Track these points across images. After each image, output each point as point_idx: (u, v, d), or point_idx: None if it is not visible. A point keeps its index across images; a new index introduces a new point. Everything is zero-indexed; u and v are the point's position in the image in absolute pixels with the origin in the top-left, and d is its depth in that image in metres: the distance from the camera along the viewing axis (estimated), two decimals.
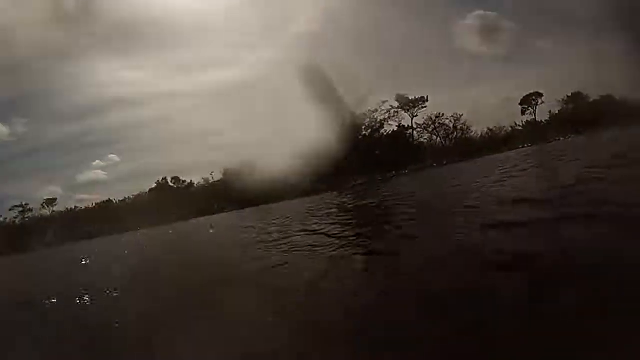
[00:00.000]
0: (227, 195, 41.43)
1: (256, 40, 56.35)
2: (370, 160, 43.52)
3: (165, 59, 57.77)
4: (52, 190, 50.10)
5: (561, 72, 52.16)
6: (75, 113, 63.15)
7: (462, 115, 50.17)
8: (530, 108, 52.74)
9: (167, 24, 58.22)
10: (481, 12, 46.74)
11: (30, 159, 63.57)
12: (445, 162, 45.72)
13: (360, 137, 44.79)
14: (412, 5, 57.58)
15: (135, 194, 43.91)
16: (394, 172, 43.34)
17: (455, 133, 50.53)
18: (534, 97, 52.02)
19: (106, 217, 42.66)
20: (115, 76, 56.98)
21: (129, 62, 57.44)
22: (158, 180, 42.49)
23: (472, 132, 51.52)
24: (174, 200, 41.69)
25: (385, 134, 45.88)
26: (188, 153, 50.19)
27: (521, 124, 52.23)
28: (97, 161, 50.16)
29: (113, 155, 49.32)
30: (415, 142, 47.68)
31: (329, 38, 56.96)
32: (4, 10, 56.16)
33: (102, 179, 49.79)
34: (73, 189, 59.21)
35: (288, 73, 52.87)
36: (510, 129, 52.68)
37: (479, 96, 59.01)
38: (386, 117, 45.97)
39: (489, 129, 52.36)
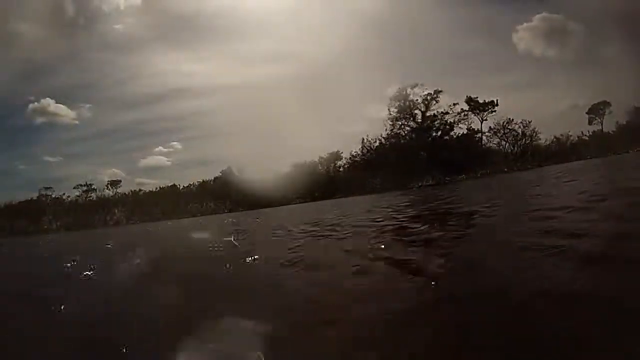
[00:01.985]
0: (294, 187, 40.80)
1: (319, 34, 56.12)
2: (439, 161, 42.17)
3: (227, 51, 58.33)
4: (114, 172, 50.85)
5: (629, 80, 49.86)
6: (138, 101, 64.40)
7: (531, 121, 48.65)
8: (597, 118, 50.46)
9: (229, 16, 58.74)
10: (546, 15, 45.23)
11: (93, 142, 65.45)
12: (515, 168, 44.06)
13: (430, 138, 43.60)
14: (476, 7, 56.36)
15: (200, 181, 43.83)
16: (463, 175, 41.82)
17: (524, 139, 48.85)
18: (601, 107, 49.78)
19: (171, 201, 42.63)
20: (177, 67, 57.91)
21: (191, 54, 58.07)
22: (223, 169, 42.45)
23: (539, 139, 49.86)
24: (238, 189, 41.28)
25: (455, 136, 44.48)
26: (251, 144, 49.89)
27: (587, 134, 50.14)
28: (159, 147, 50.45)
29: (175, 143, 49.52)
30: (484, 147, 46.09)
31: (394, 37, 56.27)
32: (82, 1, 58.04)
33: (163, 165, 50.10)
34: (134, 172, 60.19)
35: (353, 69, 52.40)
36: (576, 138, 50.70)
37: (544, 102, 57.15)
38: (456, 119, 44.66)
39: (555, 137, 50.50)
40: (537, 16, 46.61)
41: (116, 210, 41.67)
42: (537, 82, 58.49)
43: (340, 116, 53.45)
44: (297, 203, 37.18)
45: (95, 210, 43.01)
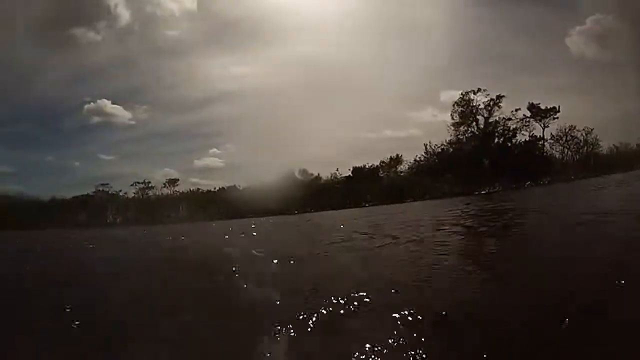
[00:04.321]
0: (355, 191, 40.68)
1: (367, 38, 56.06)
2: (504, 168, 41.38)
3: (276, 54, 58.69)
4: (168, 172, 51.83)
5: None
6: (191, 104, 65.42)
7: (593, 129, 47.40)
8: None
9: (277, 20, 59.31)
10: (600, 16, 43.97)
11: (148, 142, 67.22)
12: (580, 176, 42.99)
13: (494, 144, 42.87)
14: (528, 12, 55.25)
15: (259, 182, 44.03)
16: (529, 182, 40.97)
17: (586, 147, 47.65)
18: None
19: (229, 201, 42.99)
20: (228, 71, 58.68)
21: (240, 58, 58.60)
22: (285, 171, 42.62)
23: (601, 147, 48.57)
24: (301, 191, 41.37)
25: (518, 142, 43.62)
26: (308, 148, 50.04)
27: None
28: (213, 149, 51.12)
29: (229, 145, 50.10)
30: (547, 154, 45.07)
31: (446, 41, 55.71)
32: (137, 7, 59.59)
33: (216, 166, 50.74)
34: (188, 173, 61.47)
35: (403, 74, 52.07)
36: (635, 146, 49.14)
37: (599, 107, 55.54)
38: (519, 125, 43.80)
39: (614, 145, 49.06)
40: (591, 18, 45.59)
41: (181, 208, 42.39)
42: (591, 87, 56.98)
43: (390, 120, 53.22)
44: (364, 206, 36.97)
45: (158, 207, 43.75)
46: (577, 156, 46.72)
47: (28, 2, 51.14)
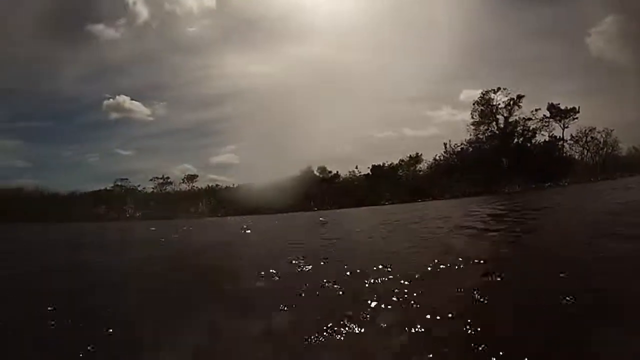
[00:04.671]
0: (374, 189, 40.79)
1: (383, 38, 56.08)
2: (523, 168, 41.23)
3: (292, 52, 58.97)
4: (185, 167, 52.48)
5: None
6: (209, 101, 66.37)
7: (613, 130, 47.00)
8: None
9: (293, 19, 59.55)
10: (617, 17, 43.62)
11: (166, 138, 68.39)
12: (599, 178, 42.69)
13: (513, 144, 42.75)
14: (546, 12, 54.96)
15: (276, 179, 44.34)
16: (550, 183, 40.77)
17: (605, 149, 47.28)
18: None
19: (248, 198, 43.31)
20: (245, 69, 59.13)
21: (258, 56, 59.08)
22: (303, 169, 42.94)
23: (620, 148, 48.21)
24: (319, 189, 41.59)
25: (537, 143, 43.44)
26: (327, 145, 50.28)
27: None
28: (230, 146, 51.59)
29: (247, 142, 50.58)
30: (566, 155, 44.82)
31: (464, 42, 55.56)
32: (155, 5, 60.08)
33: (234, 163, 51.30)
34: (205, 169, 62.30)
35: (421, 75, 51.99)
36: None
37: (620, 109, 55.04)
38: (539, 125, 43.62)
39: (634, 147, 48.64)
40: (609, 18, 45.28)
41: (201, 203, 42.86)
42: (610, 88, 56.48)
43: (410, 119, 53.24)
44: (384, 204, 37.04)
45: (178, 201, 44.26)
46: (597, 157, 46.43)
47: (47, 1, 51.89)
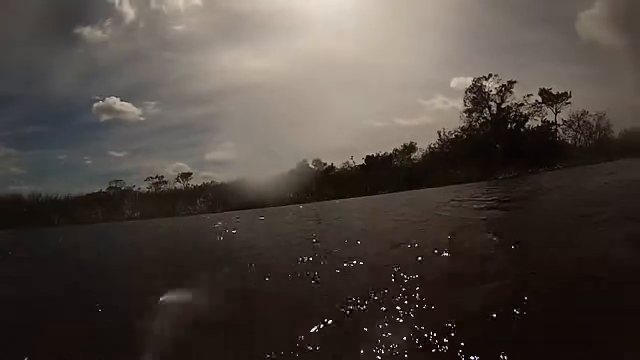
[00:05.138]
0: (369, 179, 40.89)
1: (376, 28, 56.17)
2: (517, 154, 41.43)
3: (284, 47, 58.83)
4: (179, 166, 52.28)
5: None
6: (201, 98, 65.65)
7: (605, 114, 47.26)
8: None
9: (284, 13, 59.59)
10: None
11: (159, 137, 68.04)
12: (593, 161, 42.96)
13: (506, 130, 42.92)
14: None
15: (273, 174, 44.35)
16: (545, 168, 40.99)
17: (598, 132, 47.54)
18: None
19: (244, 193, 43.27)
20: (237, 64, 58.95)
21: (249, 51, 58.85)
22: (299, 162, 43.02)
23: (612, 132, 48.46)
24: (316, 181, 41.69)
25: (530, 128, 43.68)
26: (321, 138, 50.26)
27: None
28: (224, 142, 51.42)
29: (241, 138, 50.33)
30: (560, 139, 45.09)
31: (454, 29, 55.70)
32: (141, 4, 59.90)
33: (229, 159, 51.17)
34: (199, 166, 61.90)
35: (413, 63, 52.08)
36: None
37: (612, 92, 55.24)
38: (531, 111, 43.84)
39: (625, 130, 48.90)
40: (597, 2, 45.36)
41: (198, 201, 42.85)
42: (601, 72, 56.66)
43: (402, 108, 53.30)
44: (380, 194, 37.14)
45: (174, 200, 44.24)
46: (590, 141, 46.69)
47: (32, 3, 51.57)
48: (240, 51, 59.87)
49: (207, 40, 64.16)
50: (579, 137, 46.49)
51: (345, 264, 6.21)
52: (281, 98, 50.67)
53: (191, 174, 48.62)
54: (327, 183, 40.74)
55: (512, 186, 23.72)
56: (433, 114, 50.84)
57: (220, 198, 42.93)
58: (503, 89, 43.22)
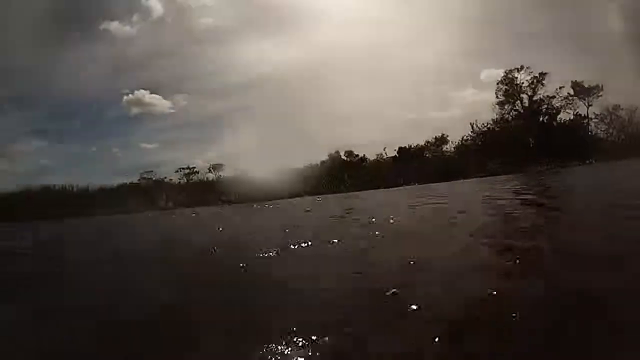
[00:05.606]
0: (403, 171, 41.35)
1: (401, 20, 56.17)
2: (550, 147, 41.42)
3: (315, 38, 59.22)
4: (210, 157, 53.36)
5: None
6: (229, 90, 66.37)
7: (638, 107, 46.78)
8: None
9: (313, 3, 59.73)
10: None
11: (189, 129, 69.19)
12: (628, 156, 42.66)
13: (539, 123, 42.91)
14: None
15: (305, 164, 45.13)
16: (577, 162, 40.93)
17: (631, 127, 47.12)
18: None
19: (276, 183, 44.01)
20: (265, 56, 59.70)
21: (278, 43, 59.48)
22: (331, 153, 43.73)
23: None
24: (347, 172, 42.29)
25: (562, 121, 43.56)
26: (353, 129, 50.84)
27: None
28: (254, 133, 52.01)
29: (271, 129, 50.95)
30: (592, 133, 44.87)
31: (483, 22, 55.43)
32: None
33: (259, 150, 51.79)
34: (230, 157, 62.54)
35: (442, 54, 52.11)
36: None
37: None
38: (563, 104, 43.71)
39: None
40: None
41: (234, 191, 43.87)
42: (632, 63, 55.62)
43: (433, 101, 53.46)
44: (411, 185, 37.60)
45: (208, 190, 45.35)
46: (623, 135, 46.30)
47: (58, 2, 52.91)
48: (268, 42, 60.75)
49: (233, 33, 64.71)
50: (611, 131, 46.23)
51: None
52: (311, 89, 51.30)
53: (222, 165, 49.78)
54: (358, 174, 41.32)
55: (550, 178, 23.92)
56: (463, 106, 50.96)
57: (255, 188, 43.74)
58: (535, 80, 43.18)
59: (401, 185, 38.72)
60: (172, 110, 55.27)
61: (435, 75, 52.78)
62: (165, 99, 55.03)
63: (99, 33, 60.07)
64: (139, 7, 65.43)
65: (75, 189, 54.37)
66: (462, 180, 37.15)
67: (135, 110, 56.94)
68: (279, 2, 60.49)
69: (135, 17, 65.77)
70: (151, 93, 53.29)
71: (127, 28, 57.14)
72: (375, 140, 46.20)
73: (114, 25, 56.46)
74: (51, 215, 44.73)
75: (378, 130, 50.88)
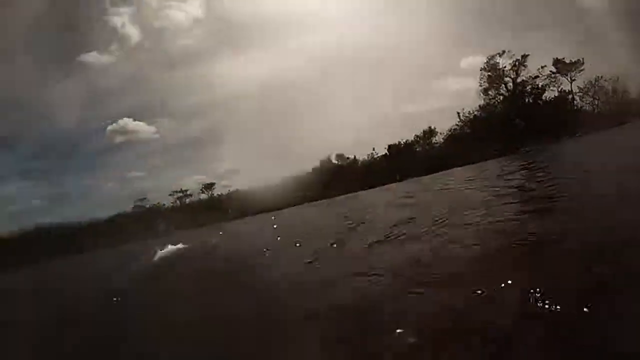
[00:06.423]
0: (395, 167, 41.36)
1: (378, 15, 56.32)
2: (537, 125, 41.59)
3: (290, 47, 59.31)
4: (199, 178, 53.01)
5: None
6: (212, 108, 66.18)
7: (619, 78, 47.16)
8: None
9: (284, 14, 59.80)
10: None
11: (176, 152, 68.75)
12: (614, 125, 42.96)
13: (525, 103, 43.10)
14: None
15: (296, 173, 44.92)
16: (566, 136, 41.15)
17: (615, 96, 47.48)
18: None
19: (267, 197, 43.86)
20: (244, 71, 59.52)
21: (254, 57, 59.42)
22: (322, 159, 43.69)
23: (629, 94, 48.29)
24: (340, 175, 42.25)
25: (548, 99, 43.78)
26: (339, 133, 50.62)
27: None
28: (241, 149, 51.95)
29: (257, 142, 50.95)
30: (577, 107, 45.14)
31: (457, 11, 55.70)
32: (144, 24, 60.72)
33: (247, 165, 51.68)
34: (218, 177, 62.37)
35: (420, 45, 52.23)
36: None
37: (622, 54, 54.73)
38: (547, 82, 43.94)
39: None
40: None
41: (229, 209, 43.73)
42: (607, 36, 56.04)
43: (415, 94, 53.52)
44: (403, 180, 37.59)
45: (205, 210, 45.14)
46: (608, 105, 46.59)
47: (37, 37, 52.55)
48: (246, 58, 60.62)
49: (212, 51, 65.16)
50: (596, 102, 46.53)
51: None
52: (292, 99, 51.16)
53: (214, 184, 49.56)
54: (350, 176, 41.28)
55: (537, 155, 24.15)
56: (447, 96, 51.11)
57: (251, 202, 43.61)
58: (517, 63, 43.40)
59: (386, 183, 38.70)
60: (156, 136, 55.06)
61: (414, 69, 52.87)
62: (148, 124, 54.83)
63: (77, 65, 59.93)
64: (116, 35, 64.99)
65: (67, 226, 53.70)
66: (454, 169, 37.30)
67: (119, 139, 56.34)
68: (254, 17, 60.49)
69: (113, 46, 65.65)
70: (134, 120, 53.03)
71: (106, 57, 56.93)
72: (364, 141, 46.04)
73: (93, 56, 56.25)
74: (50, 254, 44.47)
75: (364, 130, 50.80)
